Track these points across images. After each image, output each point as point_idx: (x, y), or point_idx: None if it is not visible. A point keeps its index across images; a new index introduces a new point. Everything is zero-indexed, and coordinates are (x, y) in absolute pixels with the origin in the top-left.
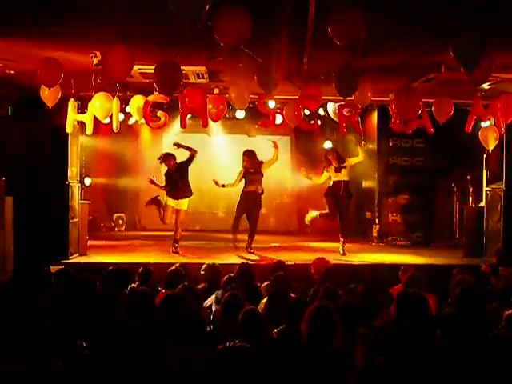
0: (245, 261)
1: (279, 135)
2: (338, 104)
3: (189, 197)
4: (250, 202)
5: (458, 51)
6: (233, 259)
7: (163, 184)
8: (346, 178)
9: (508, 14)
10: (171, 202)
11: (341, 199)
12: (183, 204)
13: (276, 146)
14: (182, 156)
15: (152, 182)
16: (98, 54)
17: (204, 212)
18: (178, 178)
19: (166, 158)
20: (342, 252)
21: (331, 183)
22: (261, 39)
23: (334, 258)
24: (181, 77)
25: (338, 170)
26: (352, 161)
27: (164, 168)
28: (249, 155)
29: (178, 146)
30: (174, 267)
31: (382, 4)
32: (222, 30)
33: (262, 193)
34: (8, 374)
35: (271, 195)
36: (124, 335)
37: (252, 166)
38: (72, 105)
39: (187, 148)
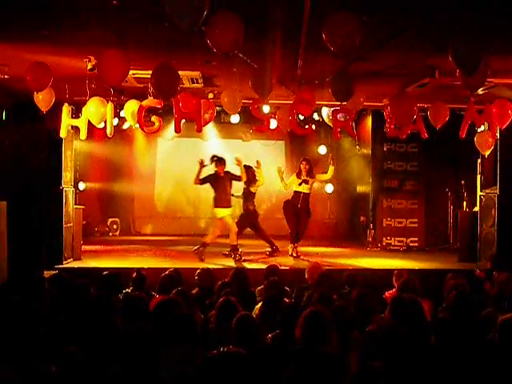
0: (239, 265)
1: (274, 140)
2: (333, 109)
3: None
4: (247, 218)
5: (458, 55)
6: (227, 264)
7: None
8: (306, 191)
9: (503, 20)
10: (223, 212)
11: (300, 212)
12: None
13: (259, 166)
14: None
15: (201, 164)
16: (92, 58)
17: (193, 217)
18: (227, 184)
19: (220, 160)
20: (294, 255)
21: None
22: (255, 44)
23: (327, 262)
24: (178, 82)
25: (302, 182)
26: (319, 177)
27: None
28: (244, 169)
29: (240, 164)
30: (167, 272)
31: (376, 9)
32: (215, 35)
33: (254, 210)
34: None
35: (264, 199)
36: (118, 340)
37: (246, 182)
38: (66, 109)
39: (242, 172)
